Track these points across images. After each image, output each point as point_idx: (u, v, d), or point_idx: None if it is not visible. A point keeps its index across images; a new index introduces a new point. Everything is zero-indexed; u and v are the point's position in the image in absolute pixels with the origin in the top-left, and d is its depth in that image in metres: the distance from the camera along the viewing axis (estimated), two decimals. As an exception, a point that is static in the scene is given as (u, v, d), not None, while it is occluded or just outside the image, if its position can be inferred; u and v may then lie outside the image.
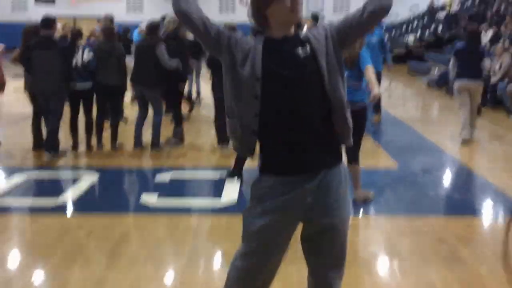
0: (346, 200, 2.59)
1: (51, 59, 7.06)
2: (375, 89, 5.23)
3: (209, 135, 8.41)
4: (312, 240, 2.60)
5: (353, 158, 5.58)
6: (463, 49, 8.60)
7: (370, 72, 5.33)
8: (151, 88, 7.59)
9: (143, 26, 14.53)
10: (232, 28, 7.33)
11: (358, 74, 5.37)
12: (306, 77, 2.43)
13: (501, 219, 5.49)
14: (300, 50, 2.45)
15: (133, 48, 10.44)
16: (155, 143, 7.72)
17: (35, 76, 7.20)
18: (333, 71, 2.46)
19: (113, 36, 7.87)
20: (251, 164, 5.68)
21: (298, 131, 2.42)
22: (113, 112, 7.95)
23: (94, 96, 7.73)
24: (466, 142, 8.35)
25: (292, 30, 2.52)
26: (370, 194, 5.81)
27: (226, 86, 2.52)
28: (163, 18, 9.56)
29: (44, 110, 7.35)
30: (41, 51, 7.09)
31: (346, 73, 5.13)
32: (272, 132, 2.45)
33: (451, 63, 8.85)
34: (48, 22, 7.29)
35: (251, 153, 2.51)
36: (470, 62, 8.40)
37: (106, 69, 7.51)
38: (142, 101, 7.87)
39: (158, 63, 7.44)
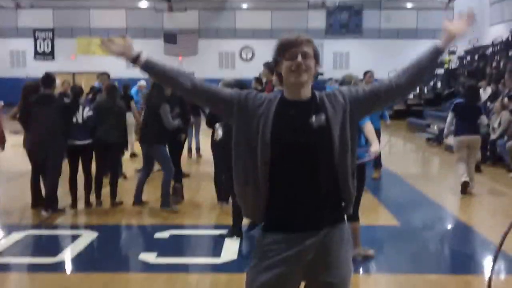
0: (347, 260, 2.60)
1: (51, 116, 7.13)
2: (375, 145, 5.31)
3: (209, 191, 8.41)
4: None
5: (353, 215, 5.57)
6: (462, 105, 8.81)
7: (369, 129, 5.41)
8: (156, 146, 7.65)
9: (142, 82, 14.79)
10: (230, 84, 7.46)
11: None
12: (316, 146, 2.46)
13: (499, 277, 5.44)
14: (314, 119, 2.46)
15: (132, 104, 10.65)
16: (165, 202, 7.61)
17: (34, 133, 7.24)
18: (344, 143, 2.49)
19: (115, 94, 7.99)
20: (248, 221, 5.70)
21: (304, 193, 2.45)
22: (112, 169, 7.98)
23: (93, 152, 7.77)
24: (465, 185, 8.58)
25: (307, 92, 2.52)
26: (371, 252, 5.77)
27: (235, 150, 2.55)
28: None
29: (43, 167, 7.37)
30: (41, 107, 7.17)
31: None
32: (279, 193, 2.47)
33: (449, 118, 9.03)
34: (49, 81, 7.43)
35: (261, 218, 2.54)
36: (469, 118, 8.63)
37: (106, 126, 7.58)
38: (147, 159, 7.91)
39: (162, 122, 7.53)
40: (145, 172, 7.90)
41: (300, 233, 2.46)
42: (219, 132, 6.87)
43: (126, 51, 2.68)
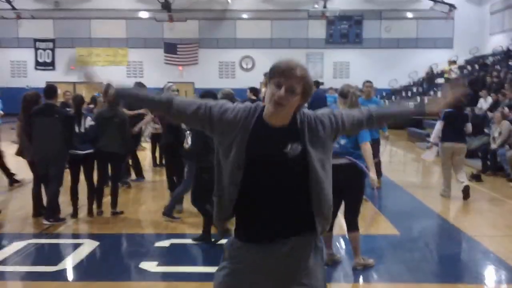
0: (318, 270, 2.57)
1: (53, 126, 7.17)
2: (372, 174, 5.42)
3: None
4: None
5: (352, 225, 5.62)
6: (451, 114, 9.15)
7: (368, 152, 5.44)
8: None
9: None
10: (228, 95, 7.51)
11: (355, 144, 5.44)
12: (289, 174, 2.46)
13: (498, 285, 5.50)
14: (289, 148, 2.44)
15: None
16: (168, 211, 7.66)
17: (36, 143, 7.27)
18: (321, 169, 2.49)
19: (116, 103, 7.98)
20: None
21: (273, 209, 2.46)
22: (114, 178, 8.01)
23: (94, 161, 7.80)
24: (446, 197, 9.33)
25: (286, 119, 2.48)
26: (371, 261, 5.79)
27: (216, 165, 2.56)
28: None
29: (45, 177, 7.40)
30: (43, 118, 7.21)
31: (343, 141, 5.32)
32: (248, 208, 2.49)
33: (438, 126, 9.45)
34: (51, 92, 7.46)
35: (223, 233, 2.60)
36: (457, 126, 9.15)
37: (107, 136, 7.61)
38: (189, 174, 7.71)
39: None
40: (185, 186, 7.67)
41: (267, 243, 2.48)
42: (188, 141, 6.95)
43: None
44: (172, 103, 2.55)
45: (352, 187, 5.44)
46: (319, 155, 2.49)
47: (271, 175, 2.45)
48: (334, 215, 5.66)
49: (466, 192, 9.11)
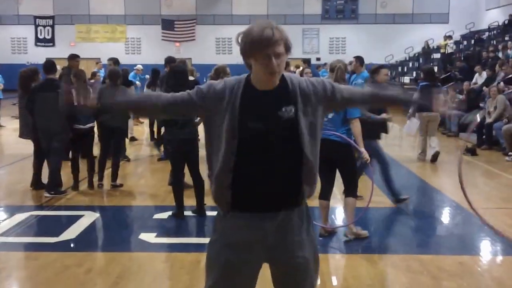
0: (310, 240, 2.59)
1: (56, 101, 7.16)
2: (363, 150, 5.49)
3: (205, 175, 8.52)
4: (280, 281, 2.62)
5: (349, 192, 5.80)
6: (426, 86, 10.01)
7: (357, 128, 5.50)
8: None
9: (139, 66, 15.42)
10: (223, 70, 7.56)
11: (343, 119, 5.51)
12: (283, 136, 2.46)
13: (493, 257, 5.59)
14: (283, 110, 2.46)
15: (132, 89, 10.79)
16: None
17: (39, 118, 7.31)
18: (313, 133, 2.51)
19: (118, 79, 8.02)
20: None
21: (265, 177, 2.46)
22: (116, 151, 8.10)
23: (94, 136, 7.89)
24: (421, 160, 10.46)
25: (275, 83, 2.49)
26: (363, 233, 5.91)
27: (206, 142, 2.57)
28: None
29: (47, 150, 7.44)
30: (45, 93, 7.23)
31: (331, 115, 5.40)
32: (241, 177, 2.46)
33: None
34: (51, 66, 7.51)
35: (228, 207, 2.52)
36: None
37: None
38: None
39: None
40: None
41: (259, 213, 2.47)
42: None
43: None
44: (158, 101, 2.60)
45: (342, 160, 5.61)
46: (310, 119, 2.51)
47: (264, 141, 2.44)
48: (330, 187, 5.80)
49: (435, 157, 10.25)
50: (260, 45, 2.38)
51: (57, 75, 8.50)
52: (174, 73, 6.58)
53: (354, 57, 10.09)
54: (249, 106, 2.46)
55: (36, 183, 7.80)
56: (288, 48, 2.45)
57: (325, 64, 20.47)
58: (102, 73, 11.69)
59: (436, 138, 10.48)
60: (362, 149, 5.50)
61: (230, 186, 2.46)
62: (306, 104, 2.51)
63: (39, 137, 7.49)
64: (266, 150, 2.44)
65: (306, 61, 15.08)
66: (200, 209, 6.61)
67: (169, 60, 10.04)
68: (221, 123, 2.45)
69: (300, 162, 2.49)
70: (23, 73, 7.83)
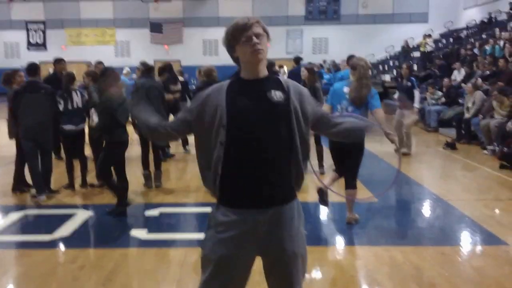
0: (299, 235, 2.64)
1: (40, 103, 7.23)
2: (391, 132, 5.71)
3: (194, 172, 8.68)
4: (271, 274, 2.66)
5: (352, 184, 6.07)
6: (400, 85, 10.66)
7: (380, 115, 5.89)
8: None
9: (126, 70, 15.64)
10: (210, 73, 7.75)
11: (364, 113, 5.84)
12: (273, 121, 2.51)
13: (473, 247, 5.76)
14: (273, 93, 2.54)
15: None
16: None
17: (25, 121, 7.29)
18: (301, 121, 2.58)
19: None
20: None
21: (257, 169, 2.49)
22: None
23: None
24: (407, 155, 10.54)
25: (264, 71, 2.60)
26: (356, 216, 6.28)
27: (196, 140, 2.65)
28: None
29: (33, 153, 7.37)
30: (28, 94, 7.24)
31: (352, 110, 5.68)
32: (232, 169, 2.50)
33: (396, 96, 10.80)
34: (33, 69, 7.51)
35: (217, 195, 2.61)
36: (405, 95, 10.50)
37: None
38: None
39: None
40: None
41: (251, 209, 2.51)
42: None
43: None
44: (170, 130, 2.73)
45: (356, 150, 5.87)
46: (301, 110, 2.58)
47: (255, 127, 2.48)
48: (354, 174, 6.08)
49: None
50: (239, 31, 2.54)
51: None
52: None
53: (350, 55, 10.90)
54: (237, 93, 2.55)
55: (16, 185, 7.84)
56: (266, 32, 2.59)
57: (309, 63, 20.64)
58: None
59: (411, 139, 10.67)
60: (390, 132, 5.67)
61: (219, 178, 2.52)
62: (298, 99, 2.59)
63: (21, 139, 7.46)
64: (256, 138, 2.49)
65: (297, 61, 15.00)
66: (119, 206, 6.71)
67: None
68: (212, 116, 2.51)
69: (290, 152, 2.55)
70: (4, 75, 7.95)
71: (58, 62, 9.87)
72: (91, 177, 8.20)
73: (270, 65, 7.72)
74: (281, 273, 2.63)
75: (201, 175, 2.66)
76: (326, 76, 18.00)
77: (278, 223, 2.54)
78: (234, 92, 2.55)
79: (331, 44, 30.95)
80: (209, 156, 2.54)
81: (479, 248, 5.73)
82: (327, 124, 2.79)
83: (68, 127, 7.75)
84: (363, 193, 7.48)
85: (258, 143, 2.49)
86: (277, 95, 2.54)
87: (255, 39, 2.51)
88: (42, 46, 31.44)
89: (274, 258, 2.61)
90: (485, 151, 10.96)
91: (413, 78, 11.17)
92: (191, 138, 11.74)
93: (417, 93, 10.81)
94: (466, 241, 5.94)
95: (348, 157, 5.97)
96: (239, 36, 2.54)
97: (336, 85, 6.21)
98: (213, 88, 2.61)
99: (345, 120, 2.89)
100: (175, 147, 11.40)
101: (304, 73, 8.97)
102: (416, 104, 10.80)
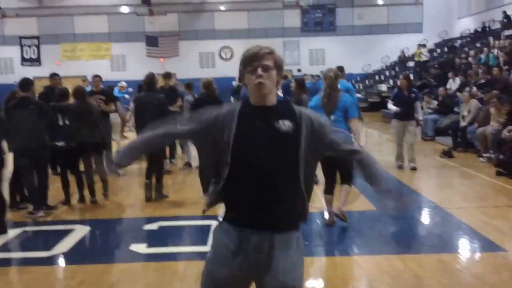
0: (297, 266, 2.59)
1: (30, 118, 7.18)
2: (362, 145, 5.89)
3: (194, 185, 8.71)
4: None
5: (348, 180, 6.32)
6: (397, 96, 10.41)
7: (356, 126, 6.23)
8: None
9: (122, 83, 15.77)
10: (208, 85, 7.82)
11: (337, 121, 6.09)
12: (278, 150, 2.49)
13: (472, 254, 5.78)
14: (281, 123, 2.51)
15: (118, 105, 10.92)
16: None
17: (15, 136, 7.25)
18: (309, 152, 2.54)
19: (83, 96, 8.05)
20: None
21: (259, 195, 2.47)
22: (99, 167, 8.21)
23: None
24: (401, 168, 10.30)
25: (273, 99, 2.57)
26: (346, 218, 6.48)
27: (200, 155, 2.72)
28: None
29: (27, 168, 7.35)
30: (20, 111, 7.21)
31: (333, 117, 5.86)
32: (235, 189, 2.51)
33: (390, 104, 10.63)
34: (26, 84, 7.48)
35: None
36: (404, 107, 10.09)
37: (82, 128, 7.76)
38: None
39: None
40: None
41: (253, 231, 2.49)
42: None
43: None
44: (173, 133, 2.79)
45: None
46: (311, 143, 2.54)
47: (260, 152, 2.48)
48: (332, 181, 6.41)
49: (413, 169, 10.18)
50: (248, 60, 2.55)
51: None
52: None
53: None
54: (247, 118, 2.53)
55: (13, 202, 7.81)
56: (278, 66, 2.57)
57: (305, 75, 20.80)
58: (87, 90, 11.81)
59: (413, 152, 10.33)
60: (362, 144, 5.86)
61: (222, 193, 2.55)
62: (310, 128, 2.55)
63: (14, 156, 7.45)
64: (260, 166, 2.47)
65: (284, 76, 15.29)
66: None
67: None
68: (218, 138, 2.52)
69: (296, 179, 2.52)
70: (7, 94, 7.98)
71: (53, 77, 9.93)
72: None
73: None
74: None
75: (200, 183, 2.69)
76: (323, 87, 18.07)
77: (278, 253, 2.51)
78: (244, 116, 2.54)
79: (328, 55, 31.08)
80: (213, 170, 2.57)
81: (477, 255, 5.75)
82: (339, 151, 2.74)
83: (59, 143, 7.73)
84: (363, 203, 7.49)
85: (261, 170, 2.48)
86: (285, 124, 2.51)
87: (259, 72, 2.51)
88: (36, 61, 31.41)
89: (266, 286, 2.56)
90: (481, 159, 10.99)
91: (415, 90, 11.00)
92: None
93: (419, 105, 10.59)
94: (465, 248, 5.97)
95: (342, 164, 6.06)
96: (247, 65, 2.55)
97: (315, 101, 6.49)
98: (227, 109, 2.61)
99: (359, 157, 2.80)
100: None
101: (293, 84, 9.34)
102: (420, 117, 10.64)
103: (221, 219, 2.65)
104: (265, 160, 2.47)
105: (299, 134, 2.50)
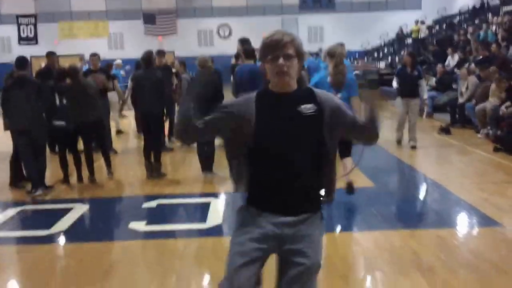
0: (319, 247, 2.64)
1: (27, 98, 7.14)
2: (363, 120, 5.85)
3: (193, 163, 8.73)
4: (283, 278, 2.63)
5: (346, 154, 6.33)
6: (400, 73, 10.29)
7: (357, 103, 6.17)
8: None
9: (118, 61, 15.75)
10: (204, 63, 7.80)
11: (345, 97, 6.10)
12: (302, 134, 2.50)
13: (469, 230, 5.81)
14: (303, 106, 2.52)
15: (116, 83, 10.87)
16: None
17: (13, 115, 7.27)
18: (333, 136, 2.57)
19: (77, 75, 7.98)
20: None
21: (283, 180, 2.50)
22: (100, 144, 8.25)
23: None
24: (400, 143, 10.26)
25: (293, 86, 2.56)
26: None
27: (225, 143, 2.68)
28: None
29: (25, 148, 7.34)
30: (17, 91, 7.18)
31: (340, 95, 5.91)
32: (259, 175, 2.54)
33: (394, 82, 10.53)
34: (22, 63, 7.43)
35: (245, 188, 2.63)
36: (407, 84, 9.98)
37: (81, 108, 7.74)
38: None
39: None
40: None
41: (277, 214, 2.53)
42: None
43: None
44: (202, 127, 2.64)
45: None
46: (334, 122, 2.56)
47: (284, 137, 2.49)
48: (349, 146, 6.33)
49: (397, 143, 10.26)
50: (269, 47, 2.52)
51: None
52: None
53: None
54: (266, 105, 2.53)
55: (13, 180, 7.87)
56: (299, 53, 2.56)
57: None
58: (85, 69, 11.77)
59: (415, 130, 10.25)
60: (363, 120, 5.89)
61: (248, 175, 2.56)
62: (331, 111, 2.56)
63: (13, 135, 7.47)
64: (283, 151, 2.49)
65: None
66: None
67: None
68: (240, 126, 2.51)
69: (320, 162, 2.56)
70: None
71: (50, 55, 9.88)
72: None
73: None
74: (298, 280, 2.60)
75: (229, 166, 2.68)
76: (323, 65, 17.97)
77: (301, 234, 2.56)
78: (263, 103, 2.54)
79: (326, 32, 30.97)
80: (237, 157, 2.58)
81: (475, 230, 5.78)
82: (357, 130, 2.74)
83: (58, 122, 7.72)
84: (362, 180, 7.51)
85: (285, 155, 2.50)
86: (307, 107, 2.53)
87: (281, 61, 2.49)
88: (34, 40, 31.25)
89: (292, 266, 2.59)
90: (479, 135, 11.03)
91: (419, 67, 10.88)
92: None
93: (423, 83, 10.41)
94: (463, 224, 6.00)
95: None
96: (268, 53, 2.53)
97: (320, 77, 6.46)
98: (244, 97, 2.60)
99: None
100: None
101: None
102: (424, 96, 10.56)
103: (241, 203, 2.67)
104: (289, 144, 2.49)
105: (321, 116, 2.52)
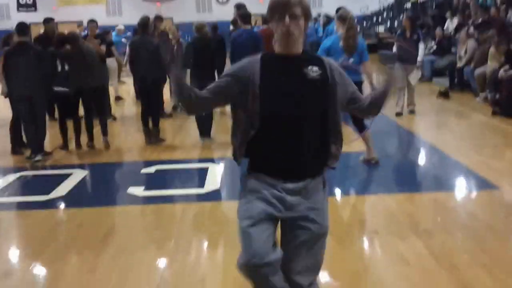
0: (324, 209, 2.64)
1: (28, 65, 7.09)
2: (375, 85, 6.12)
3: (191, 129, 8.75)
4: (289, 244, 2.63)
5: (362, 127, 6.40)
6: (400, 36, 10.10)
7: (370, 68, 6.38)
8: None
9: (120, 27, 15.57)
10: (201, 28, 7.77)
11: (358, 60, 6.22)
12: (307, 96, 2.48)
13: (466, 193, 5.84)
14: (309, 69, 2.49)
15: (113, 49, 10.78)
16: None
17: (14, 82, 7.25)
18: (338, 100, 2.54)
19: (75, 41, 7.90)
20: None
21: (287, 143, 2.48)
22: (100, 110, 8.20)
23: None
24: (400, 115, 9.73)
25: (299, 48, 2.52)
26: (376, 157, 6.57)
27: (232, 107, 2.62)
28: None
29: (25, 115, 7.35)
30: (17, 57, 7.14)
31: (347, 59, 5.87)
32: (263, 139, 2.49)
33: (395, 47, 10.21)
34: (23, 28, 7.38)
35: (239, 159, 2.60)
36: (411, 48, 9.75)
37: (82, 74, 7.70)
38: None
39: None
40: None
41: (283, 178, 2.52)
42: None
43: None
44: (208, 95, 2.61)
45: None
46: (339, 88, 2.53)
47: (289, 99, 2.47)
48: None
49: (398, 115, 9.76)
50: (276, 7, 2.48)
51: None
52: None
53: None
54: (271, 67, 2.50)
55: (14, 147, 7.89)
56: (306, 14, 2.52)
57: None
58: (83, 35, 11.68)
59: (413, 95, 10.14)
60: (375, 85, 6.13)
61: (248, 145, 2.52)
62: (336, 76, 2.54)
63: (13, 101, 7.47)
64: (288, 113, 2.47)
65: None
66: None
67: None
68: (245, 89, 2.48)
69: (325, 126, 2.54)
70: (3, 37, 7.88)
71: (48, 22, 9.81)
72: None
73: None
74: (304, 245, 2.61)
75: (232, 130, 2.64)
76: (321, 30, 17.80)
77: (306, 197, 2.56)
78: (268, 65, 2.51)
79: None
80: (242, 121, 2.54)
81: (473, 193, 5.82)
82: (356, 103, 2.71)
83: (59, 88, 7.69)
84: (362, 145, 7.49)
85: (290, 118, 2.48)
86: (313, 70, 2.50)
87: (287, 21, 2.44)
88: (32, 7, 30.93)
89: (298, 230, 2.60)
90: (477, 99, 10.98)
91: (419, 31, 10.66)
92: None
93: (422, 47, 10.18)
94: (460, 187, 6.04)
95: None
96: (274, 12, 2.49)
97: (332, 42, 6.35)
98: (248, 60, 2.56)
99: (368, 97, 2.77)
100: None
101: None
102: (420, 58, 10.40)
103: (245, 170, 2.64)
104: (294, 107, 2.47)
105: (327, 80, 2.50)
